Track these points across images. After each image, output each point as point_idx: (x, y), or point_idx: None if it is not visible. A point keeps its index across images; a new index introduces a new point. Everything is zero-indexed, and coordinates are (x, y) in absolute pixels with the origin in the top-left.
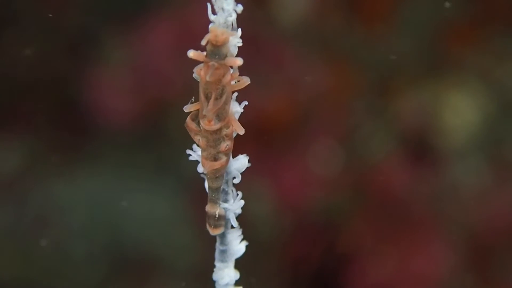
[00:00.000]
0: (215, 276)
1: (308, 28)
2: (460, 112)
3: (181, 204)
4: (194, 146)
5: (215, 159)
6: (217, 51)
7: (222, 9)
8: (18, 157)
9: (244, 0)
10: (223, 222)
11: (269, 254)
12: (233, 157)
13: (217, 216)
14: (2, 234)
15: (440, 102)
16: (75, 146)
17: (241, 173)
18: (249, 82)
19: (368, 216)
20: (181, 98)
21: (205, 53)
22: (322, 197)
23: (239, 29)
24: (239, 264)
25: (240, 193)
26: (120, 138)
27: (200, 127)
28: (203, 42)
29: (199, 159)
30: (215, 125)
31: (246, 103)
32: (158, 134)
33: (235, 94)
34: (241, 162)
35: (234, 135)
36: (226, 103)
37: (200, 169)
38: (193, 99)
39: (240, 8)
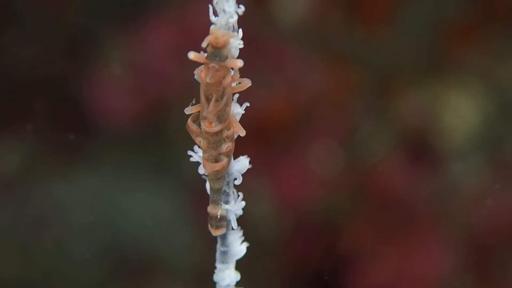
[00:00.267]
0: (216, 277)
1: (308, 28)
2: (460, 112)
3: (181, 204)
4: (195, 147)
5: (216, 160)
6: (217, 53)
7: (224, 10)
8: (18, 157)
9: (244, 0)
10: (225, 223)
11: (269, 254)
12: (234, 158)
13: (218, 217)
14: (2, 234)
15: (440, 102)
16: (75, 146)
17: (242, 174)
18: (250, 84)
19: (368, 216)
20: (181, 98)
21: (205, 54)
22: (322, 197)
23: (240, 31)
24: (240, 264)
25: (241, 194)
26: (120, 138)
27: (201, 129)
28: (204, 44)
29: (200, 160)
30: (216, 127)
31: (247, 104)
32: (158, 134)
33: (236, 95)
34: (242, 163)
35: (235, 136)
36: (227, 105)
37: (201, 170)
38: (193, 101)
39: (241, 9)
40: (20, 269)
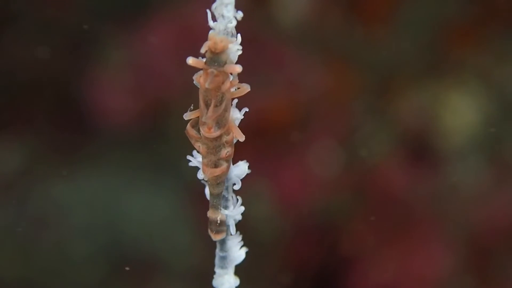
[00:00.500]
0: (215, 282)
1: (308, 28)
2: (460, 112)
3: (181, 205)
4: (194, 152)
5: (216, 165)
6: (216, 58)
7: (222, 15)
8: (18, 157)
9: (244, 0)
10: (225, 228)
11: (269, 255)
12: (233, 162)
13: (219, 221)
14: (2, 234)
15: (440, 103)
16: (75, 146)
17: (241, 179)
18: (249, 90)
19: (368, 217)
20: (181, 99)
21: (204, 60)
22: (322, 198)
23: (239, 36)
24: (240, 266)
25: (240, 198)
26: (120, 138)
27: (200, 134)
28: (203, 50)
29: (199, 165)
30: (215, 132)
31: (246, 109)
32: (158, 134)
33: (235, 100)
34: (241, 168)
35: (234, 141)
36: (226, 110)
37: (200, 175)
38: (192, 107)
39: (240, 14)
40: (20, 269)
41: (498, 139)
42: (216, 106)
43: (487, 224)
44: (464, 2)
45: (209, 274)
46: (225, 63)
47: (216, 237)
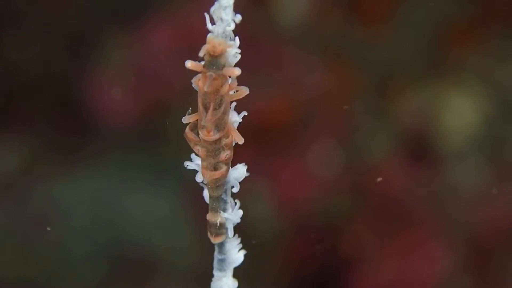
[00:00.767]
0: (213, 285)
1: (308, 28)
2: (459, 113)
3: (181, 205)
4: (192, 155)
5: (215, 168)
6: (214, 61)
7: (221, 19)
8: (18, 157)
9: (244, 0)
10: (224, 230)
11: (269, 255)
12: (233, 164)
13: (218, 224)
14: (2, 234)
15: (440, 103)
16: (75, 146)
17: (239, 182)
18: (248, 92)
19: (368, 217)
20: (181, 99)
21: (203, 63)
22: (322, 198)
23: (237, 39)
24: (240, 266)
25: (238, 202)
26: (120, 138)
27: (199, 137)
28: (201, 54)
29: (198, 168)
30: (214, 135)
31: (245, 113)
32: (158, 134)
33: (234, 103)
34: (240, 171)
35: (233, 144)
36: (225, 113)
37: (199, 179)
38: (190, 110)
39: (239, 18)
40: (20, 269)
41: (498, 139)
42: (215, 109)
43: (487, 224)
44: (464, 2)
45: (209, 274)
46: (224, 66)
47: (215, 240)
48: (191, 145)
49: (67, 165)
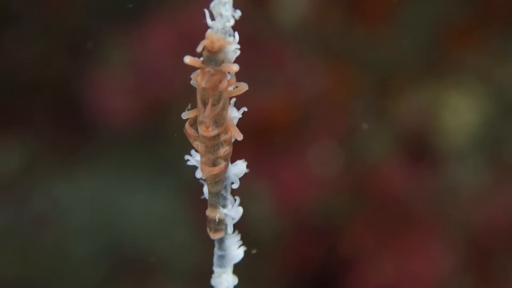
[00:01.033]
0: (213, 281)
1: (308, 28)
2: (459, 113)
3: (181, 204)
4: (192, 151)
5: (214, 164)
6: (213, 57)
7: (221, 14)
8: (18, 157)
9: (244, 0)
10: (223, 226)
11: (269, 256)
12: (232, 161)
13: (217, 220)
14: (2, 234)
15: (440, 103)
16: (75, 146)
17: (239, 178)
18: (247, 88)
19: (368, 217)
20: (180, 98)
21: (201, 59)
22: (322, 198)
23: (237, 35)
24: (240, 266)
25: (238, 198)
26: (120, 138)
27: (198, 133)
28: (199, 49)
29: (198, 164)
30: (212, 131)
31: (245, 109)
32: (158, 134)
33: (233, 99)
34: (240, 167)
35: (233, 140)
36: (224, 109)
37: (198, 174)
38: (189, 106)
39: (238, 13)
40: (20, 269)
41: (498, 139)
42: (213, 105)
43: (486, 224)
44: (464, 2)
45: (209, 273)
46: (223, 62)
47: (214, 236)
48: (191, 140)
49: (67, 165)
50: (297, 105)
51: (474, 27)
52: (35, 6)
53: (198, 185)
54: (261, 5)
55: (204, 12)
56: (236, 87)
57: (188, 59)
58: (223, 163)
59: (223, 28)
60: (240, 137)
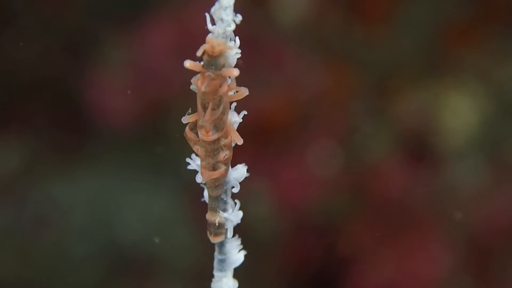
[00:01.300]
0: (213, 286)
1: (307, 28)
2: (459, 112)
3: (181, 204)
4: (193, 155)
5: (214, 168)
6: (213, 61)
7: (221, 19)
8: (18, 157)
9: (244, 0)
10: (223, 230)
11: (268, 255)
12: (233, 164)
13: (217, 224)
14: (2, 234)
15: (439, 103)
16: (75, 146)
17: (240, 182)
18: (248, 93)
19: (367, 217)
20: (180, 98)
21: (202, 63)
22: (321, 198)
23: (238, 40)
24: (239, 266)
25: (238, 202)
26: (120, 138)
27: (199, 137)
28: (199, 53)
29: (198, 169)
30: (212, 136)
31: (245, 113)
32: (158, 134)
33: (234, 103)
34: (240, 172)
35: (233, 145)
36: (224, 113)
37: (199, 179)
38: (190, 110)
39: (239, 18)
40: (20, 269)
41: (498, 139)
42: (213, 109)
43: (486, 224)
44: (464, 2)
45: (208, 273)
46: (223, 66)
47: (214, 240)
48: (191, 144)
49: (66, 165)
50: (297, 105)
51: (474, 27)
52: (35, 6)
53: (197, 186)
54: (261, 5)
55: (204, 16)
56: (237, 92)
57: (188, 63)
58: (223, 168)
59: (223, 33)
60: (240, 141)
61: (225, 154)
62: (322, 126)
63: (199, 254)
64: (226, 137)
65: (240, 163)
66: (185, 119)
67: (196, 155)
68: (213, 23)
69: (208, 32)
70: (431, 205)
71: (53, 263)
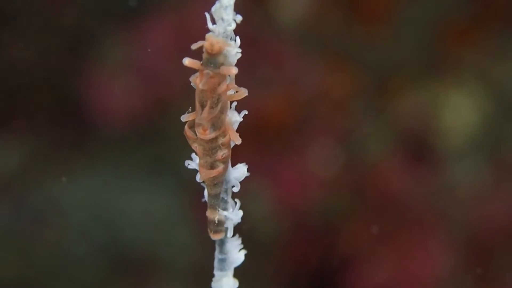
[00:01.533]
0: (214, 285)
1: (307, 28)
2: (459, 112)
3: (180, 204)
4: (193, 155)
5: (212, 167)
6: (212, 59)
7: (222, 18)
8: (18, 157)
9: (244, 0)
10: (223, 228)
11: (267, 255)
12: (233, 163)
13: (216, 222)
14: (2, 234)
15: (439, 103)
16: (75, 146)
17: (240, 182)
18: (247, 94)
19: (367, 217)
20: (180, 98)
21: (201, 61)
22: (321, 197)
23: (238, 39)
24: (239, 265)
25: (238, 201)
26: (120, 138)
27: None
28: (194, 47)
29: (197, 167)
30: (210, 134)
31: (246, 112)
32: (158, 134)
33: (235, 103)
34: (240, 171)
35: (232, 144)
36: (222, 112)
37: (198, 179)
38: (190, 109)
39: (239, 18)
40: (20, 269)
41: (498, 139)
42: (211, 107)
43: (486, 223)
44: (464, 2)
45: (208, 273)
46: (222, 65)
47: (214, 237)
48: (190, 142)
49: (66, 165)
50: (297, 104)
51: (474, 27)
52: (35, 6)
53: (197, 185)
54: (260, 4)
55: (205, 15)
56: (236, 91)
57: (187, 61)
58: (221, 166)
59: (224, 32)
60: (238, 141)
61: (223, 153)
62: (322, 126)
63: (199, 254)
64: (224, 136)
65: (240, 163)
66: (184, 117)
67: (196, 154)
68: (214, 22)
69: (208, 31)
70: (431, 205)
71: (53, 263)
